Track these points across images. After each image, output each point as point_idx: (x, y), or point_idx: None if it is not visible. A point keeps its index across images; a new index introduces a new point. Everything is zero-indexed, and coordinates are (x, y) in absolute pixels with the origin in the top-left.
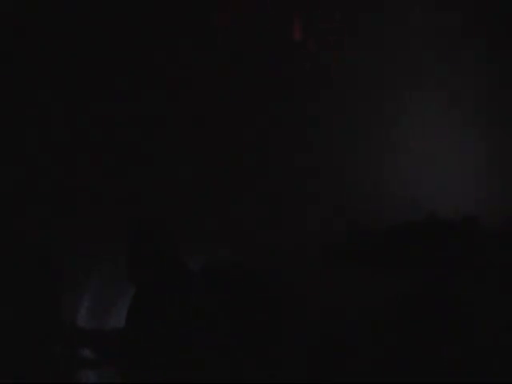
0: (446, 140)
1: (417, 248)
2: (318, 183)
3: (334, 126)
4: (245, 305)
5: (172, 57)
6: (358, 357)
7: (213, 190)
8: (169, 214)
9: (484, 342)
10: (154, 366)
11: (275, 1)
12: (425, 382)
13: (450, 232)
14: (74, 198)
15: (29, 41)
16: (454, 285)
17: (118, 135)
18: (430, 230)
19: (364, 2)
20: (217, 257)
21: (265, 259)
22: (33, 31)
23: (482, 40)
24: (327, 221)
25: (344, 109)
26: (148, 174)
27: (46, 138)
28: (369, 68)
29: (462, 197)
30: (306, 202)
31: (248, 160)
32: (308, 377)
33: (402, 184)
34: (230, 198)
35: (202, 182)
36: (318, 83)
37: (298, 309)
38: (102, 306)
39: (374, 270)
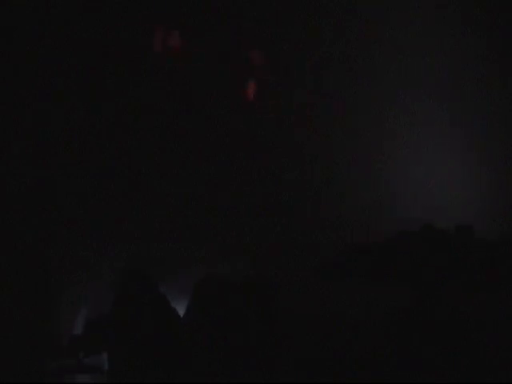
0: (442, 153)
1: (414, 258)
2: (315, 197)
3: (331, 140)
4: (243, 317)
5: None
6: (355, 365)
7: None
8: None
9: (481, 348)
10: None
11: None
12: (424, 382)
13: (446, 242)
14: (74, 218)
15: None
16: (450, 294)
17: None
18: (426, 241)
19: None
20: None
21: (264, 273)
22: None
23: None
24: (325, 234)
25: (344, 123)
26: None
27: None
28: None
29: (457, 208)
30: (304, 215)
31: (242, 173)
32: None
33: (399, 195)
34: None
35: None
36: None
37: (296, 320)
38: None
39: (371, 281)
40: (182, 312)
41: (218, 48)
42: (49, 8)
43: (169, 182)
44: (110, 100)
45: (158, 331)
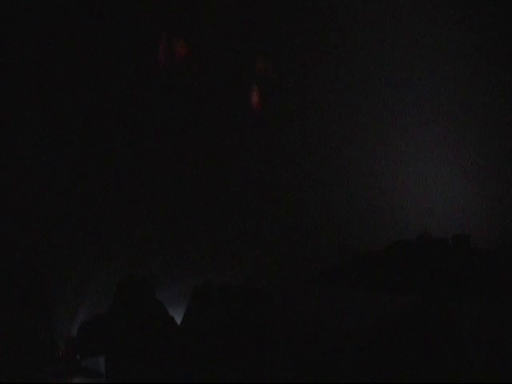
0: (438, 162)
1: (410, 267)
2: (312, 205)
3: (332, 143)
4: (241, 322)
5: None
6: (352, 372)
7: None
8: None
9: (476, 355)
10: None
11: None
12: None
13: (443, 250)
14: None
15: None
16: (447, 302)
17: None
18: (423, 249)
19: None
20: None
21: (263, 280)
22: None
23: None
24: (323, 242)
25: (344, 124)
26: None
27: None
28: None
29: (454, 216)
30: (302, 224)
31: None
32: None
33: (396, 205)
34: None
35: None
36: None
37: (294, 326)
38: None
39: (368, 290)
40: (179, 317)
41: (222, 54)
42: (49, 8)
43: (169, 184)
44: (109, 103)
45: (155, 333)
